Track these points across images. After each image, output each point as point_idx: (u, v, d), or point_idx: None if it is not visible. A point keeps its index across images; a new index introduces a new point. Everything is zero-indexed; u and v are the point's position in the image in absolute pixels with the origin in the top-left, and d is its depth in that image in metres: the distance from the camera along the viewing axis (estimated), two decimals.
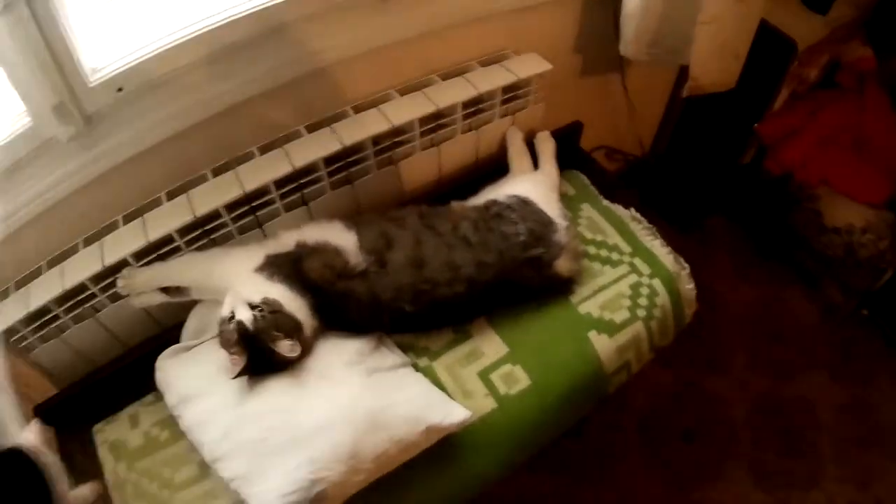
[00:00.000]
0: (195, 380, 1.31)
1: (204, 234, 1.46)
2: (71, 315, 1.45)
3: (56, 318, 1.42)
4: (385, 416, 1.22)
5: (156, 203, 1.47)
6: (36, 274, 1.45)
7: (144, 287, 1.45)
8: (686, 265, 1.69)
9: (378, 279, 1.33)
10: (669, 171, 2.52)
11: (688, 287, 1.68)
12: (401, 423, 1.23)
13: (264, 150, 1.47)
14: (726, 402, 2.25)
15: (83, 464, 1.30)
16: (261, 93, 1.45)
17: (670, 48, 1.74)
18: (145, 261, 1.44)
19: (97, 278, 1.43)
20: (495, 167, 1.66)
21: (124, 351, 1.56)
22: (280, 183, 1.40)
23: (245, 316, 1.22)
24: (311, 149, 1.40)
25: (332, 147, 1.40)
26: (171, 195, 1.47)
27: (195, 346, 1.45)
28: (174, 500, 1.24)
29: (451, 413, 1.27)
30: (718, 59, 1.75)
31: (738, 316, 2.44)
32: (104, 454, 1.33)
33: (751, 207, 2.60)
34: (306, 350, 1.29)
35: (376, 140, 1.48)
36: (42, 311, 1.39)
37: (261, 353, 1.22)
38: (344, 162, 1.48)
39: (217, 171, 1.47)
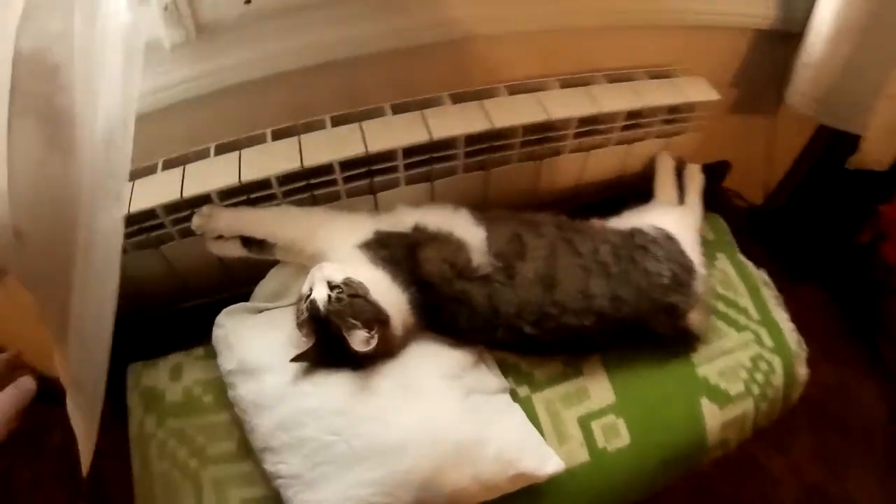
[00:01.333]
0: (261, 351, 1.09)
1: (307, 187, 1.22)
2: (132, 240, 1.23)
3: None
4: (475, 451, 1.03)
5: (258, 140, 1.23)
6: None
7: (225, 231, 1.21)
8: (805, 348, 1.48)
9: (502, 290, 1.12)
10: (782, 225, 2.33)
11: (802, 372, 1.47)
12: (490, 461, 1.03)
13: (398, 110, 1.24)
14: (779, 484, 2.07)
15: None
16: (407, 47, 1.21)
17: (843, 112, 1.52)
18: (231, 202, 1.21)
19: (171, 208, 1.19)
20: (634, 189, 1.47)
21: (182, 292, 1.35)
22: (409, 151, 1.19)
23: (320, 295, 1.01)
24: (455, 122, 1.20)
25: (480, 125, 1.19)
26: (278, 135, 1.23)
27: (267, 309, 1.22)
28: (203, 472, 1.08)
29: (546, 462, 1.08)
30: (894, 137, 1.55)
31: (811, 395, 2.24)
32: (134, 400, 1.16)
33: (849, 284, 2.41)
34: (392, 349, 1.08)
35: (527, 129, 1.24)
36: None
37: (333, 342, 1.02)
38: (487, 145, 1.25)
39: (337, 121, 1.24)
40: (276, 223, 1.20)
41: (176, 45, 1.14)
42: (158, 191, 1.19)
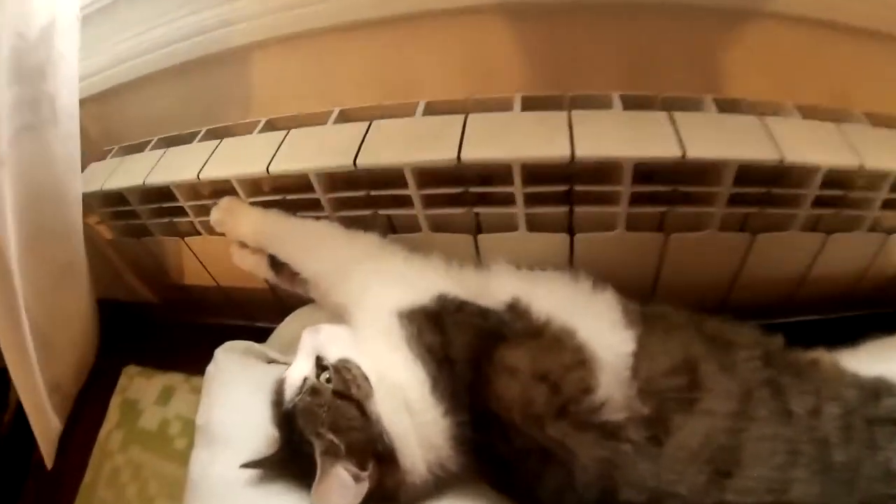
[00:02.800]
0: (233, 416, 0.70)
1: (367, 201, 0.75)
2: (154, 221, 0.92)
3: (135, 214, 0.91)
4: None
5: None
6: (143, 147, 0.93)
7: (248, 238, 0.81)
8: None
9: (635, 459, 0.55)
10: None
11: None
12: None
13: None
14: None
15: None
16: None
17: None
18: (259, 200, 0.80)
19: (187, 190, 0.84)
20: (878, 303, 0.82)
21: (227, 304, 1.02)
22: (569, 175, 0.70)
23: (296, 374, 0.62)
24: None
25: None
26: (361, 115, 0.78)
27: (276, 361, 0.79)
28: None
29: None
30: None
31: None
32: (114, 404, 0.98)
33: None
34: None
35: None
36: (117, 197, 0.90)
37: (302, 454, 0.59)
38: (691, 190, 0.69)
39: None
40: (302, 242, 0.77)
41: None
42: (181, 165, 0.84)
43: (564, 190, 0.70)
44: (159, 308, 1.10)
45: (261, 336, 0.84)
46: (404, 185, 0.71)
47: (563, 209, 0.73)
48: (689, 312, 0.66)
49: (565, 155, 0.65)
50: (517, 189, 0.69)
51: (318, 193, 0.74)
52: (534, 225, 0.74)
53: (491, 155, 0.68)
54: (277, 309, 0.91)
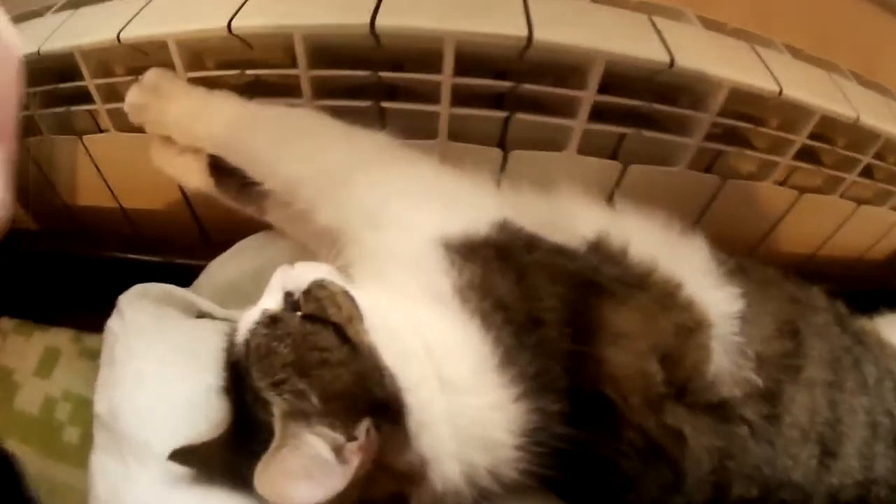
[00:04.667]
0: (150, 401, 0.45)
1: (376, 89, 0.52)
2: (44, 111, 0.64)
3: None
4: None
5: None
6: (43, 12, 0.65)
7: (179, 131, 0.55)
8: None
9: (750, 443, 0.41)
10: None
11: None
12: None
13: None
14: None
15: None
16: None
17: None
18: (204, 76, 0.54)
19: (98, 62, 0.57)
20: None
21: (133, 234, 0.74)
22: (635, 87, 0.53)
23: (249, 316, 0.38)
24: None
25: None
26: None
27: (208, 316, 0.55)
28: None
29: None
30: None
31: None
32: None
33: None
34: None
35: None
36: None
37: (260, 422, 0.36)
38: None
39: None
40: (272, 135, 0.52)
41: None
42: (93, 25, 0.58)
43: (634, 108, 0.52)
44: (41, 237, 0.79)
45: (183, 278, 0.59)
46: (430, 66, 0.48)
47: (616, 130, 0.54)
48: (776, 269, 0.52)
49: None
50: (587, 94, 0.48)
51: (300, 69, 0.50)
52: (587, 144, 0.54)
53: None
54: (202, 244, 0.65)
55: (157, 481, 0.38)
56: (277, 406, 0.35)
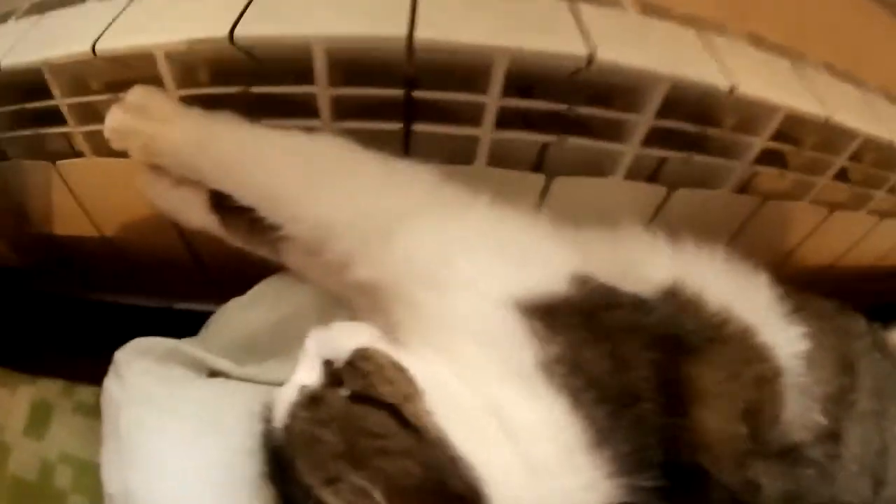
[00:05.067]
0: (174, 485, 0.39)
1: (405, 109, 0.43)
2: (11, 135, 0.55)
3: None
4: None
5: None
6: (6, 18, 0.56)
7: (171, 160, 0.46)
8: None
9: (818, 482, 0.39)
10: None
11: None
12: None
13: None
14: None
15: None
16: None
17: None
18: (194, 93, 0.44)
19: (72, 77, 0.46)
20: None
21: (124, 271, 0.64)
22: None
23: (286, 393, 0.34)
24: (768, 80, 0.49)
25: None
26: None
27: (221, 374, 0.47)
28: None
29: None
30: None
31: None
32: None
33: None
34: None
35: None
36: None
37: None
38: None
39: None
40: (290, 169, 0.43)
41: None
42: (62, 35, 0.49)
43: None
44: (22, 275, 0.70)
45: (185, 327, 0.50)
46: (475, 84, 0.40)
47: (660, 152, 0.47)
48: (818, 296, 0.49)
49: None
50: (645, 118, 0.41)
51: (318, 86, 0.41)
52: (638, 168, 0.47)
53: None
54: (200, 277, 0.57)
55: None
56: (327, 498, 0.30)
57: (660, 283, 0.39)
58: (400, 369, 0.33)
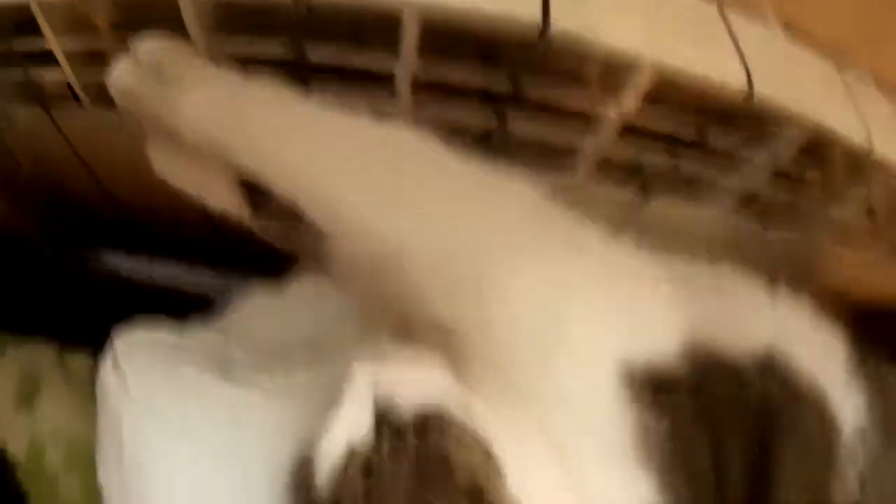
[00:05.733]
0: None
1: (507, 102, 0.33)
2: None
3: None
4: None
5: None
6: None
7: (194, 135, 0.33)
8: None
9: None
10: None
11: None
12: None
13: None
14: None
15: None
16: None
17: None
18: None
19: (66, 14, 0.36)
20: None
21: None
22: None
23: (331, 445, 0.27)
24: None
25: None
26: None
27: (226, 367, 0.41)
28: None
29: None
30: None
31: None
32: None
33: None
34: None
35: None
36: None
37: None
38: None
39: None
40: (373, 171, 0.32)
41: None
42: None
43: None
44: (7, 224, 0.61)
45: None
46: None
47: None
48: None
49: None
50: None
51: (402, 57, 0.30)
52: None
53: None
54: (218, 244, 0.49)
55: None
56: None
57: (756, 347, 0.34)
58: (483, 443, 0.28)
